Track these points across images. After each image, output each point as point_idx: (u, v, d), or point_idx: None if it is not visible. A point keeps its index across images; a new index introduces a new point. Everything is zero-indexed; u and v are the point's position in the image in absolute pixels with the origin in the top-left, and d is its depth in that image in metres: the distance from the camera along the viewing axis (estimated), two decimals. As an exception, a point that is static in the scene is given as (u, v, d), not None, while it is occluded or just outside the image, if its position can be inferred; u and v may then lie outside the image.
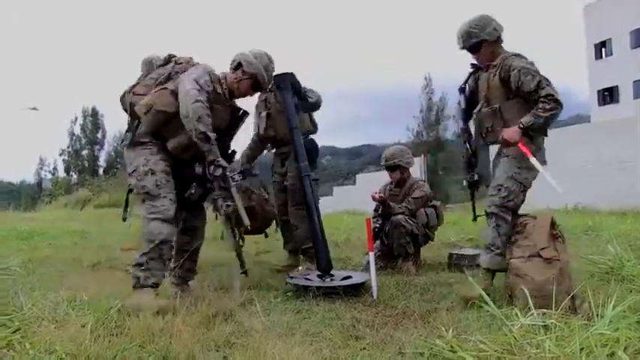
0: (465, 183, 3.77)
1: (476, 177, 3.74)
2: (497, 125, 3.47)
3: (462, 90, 3.81)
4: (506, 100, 3.44)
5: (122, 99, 3.53)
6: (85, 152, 50.59)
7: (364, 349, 2.50)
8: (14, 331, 2.56)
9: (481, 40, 3.51)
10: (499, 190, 3.41)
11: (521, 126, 3.26)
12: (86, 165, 49.74)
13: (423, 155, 18.51)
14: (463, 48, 3.61)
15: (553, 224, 3.16)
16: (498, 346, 2.28)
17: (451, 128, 42.21)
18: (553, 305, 2.58)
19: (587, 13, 37.07)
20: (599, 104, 36.35)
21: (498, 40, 3.55)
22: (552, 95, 3.23)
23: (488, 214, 3.49)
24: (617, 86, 35.27)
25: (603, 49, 36.43)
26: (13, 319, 2.72)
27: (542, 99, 3.23)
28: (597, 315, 2.48)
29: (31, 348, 2.32)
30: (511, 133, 3.28)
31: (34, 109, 33.27)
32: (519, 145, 3.28)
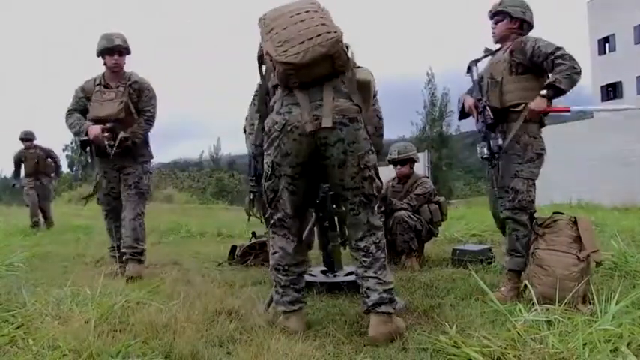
0: (482, 157, 3.55)
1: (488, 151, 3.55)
2: (494, 99, 3.43)
3: (475, 62, 3.71)
4: (509, 75, 3.40)
5: None
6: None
7: (368, 344, 2.50)
8: (17, 327, 2.56)
9: (504, 12, 3.48)
10: (506, 192, 3.37)
11: (544, 94, 3.20)
12: (89, 161, 49.79)
13: (426, 151, 18.49)
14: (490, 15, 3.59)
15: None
16: (502, 342, 2.28)
17: (454, 124, 42.23)
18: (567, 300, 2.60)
19: (591, 9, 36.94)
20: (602, 100, 36.24)
21: (518, 26, 3.50)
22: (569, 55, 3.19)
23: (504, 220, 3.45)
24: (620, 82, 35.16)
25: (607, 45, 36.29)
26: (16, 315, 2.72)
27: (558, 59, 3.17)
28: (600, 310, 2.48)
29: (34, 344, 2.33)
30: (538, 102, 3.24)
31: None
32: (547, 109, 3.24)
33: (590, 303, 2.87)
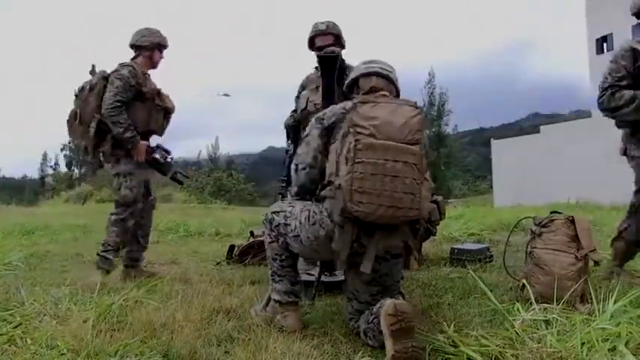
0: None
1: None
2: None
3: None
4: None
5: None
6: (87, 147, 50.55)
7: (366, 344, 2.50)
8: (16, 326, 2.56)
9: None
10: None
11: None
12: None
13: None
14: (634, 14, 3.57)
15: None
16: (500, 341, 2.28)
17: (452, 123, 42.25)
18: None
19: (589, 8, 36.96)
20: (601, 99, 36.25)
21: None
22: None
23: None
24: (618, 81, 35.16)
25: (605, 44, 36.31)
26: (14, 315, 2.72)
27: None
28: (599, 310, 2.48)
29: (32, 343, 2.32)
30: None
31: (226, 95, 33.87)
32: None
33: (588, 302, 2.87)
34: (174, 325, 2.58)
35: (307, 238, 2.57)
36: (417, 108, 2.46)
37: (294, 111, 4.18)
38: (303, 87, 4.17)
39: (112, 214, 4.19)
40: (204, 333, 2.59)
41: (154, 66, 4.39)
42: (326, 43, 3.89)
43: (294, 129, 4.14)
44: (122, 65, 4.17)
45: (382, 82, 2.74)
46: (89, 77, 4.18)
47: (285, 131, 4.22)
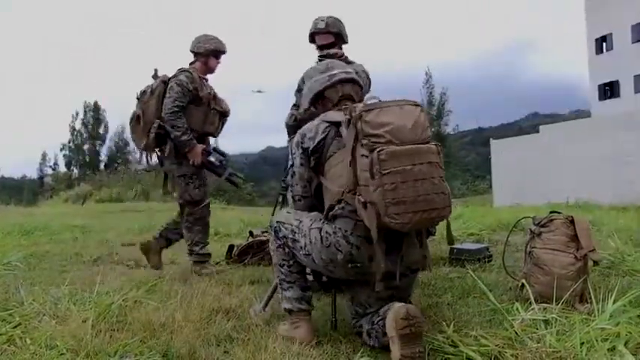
0: None
1: None
2: None
3: None
4: None
5: None
6: (86, 147, 50.55)
7: (366, 344, 2.50)
8: (15, 327, 2.56)
9: None
10: None
11: None
12: (87, 160, 49.72)
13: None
14: None
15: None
16: (499, 341, 2.28)
17: (452, 123, 42.29)
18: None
19: (588, 8, 36.99)
20: (600, 99, 36.32)
21: None
22: None
23: None
24: (617, 81, 35.22)
25: (604, 44, 36.35)
26: (13, 315, 2.72)
27: None
28: (598, 309, 2.48)
29: (31, 343, 2.32)
30: None
31: (259, 91, 33.87)
32: None
33: (587, 302, 2.87)
34: (174, 325, 2.59)
35: (322, 260, 2.46)
36: (417, 105, 2.42)
37: (295, 105, 4.15)
38: (304, 81, 4.15)
39: (187, 215, 4.50)
40: (204, 333, 2.59)
41: (210, 71, 4.58)
42: (325, 42, 3.87)
43: (295, 128, 4.13)
44: (181, 71, 4.39)
45: (349, 87, 2.69)
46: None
47: (285, 130, 4.20)
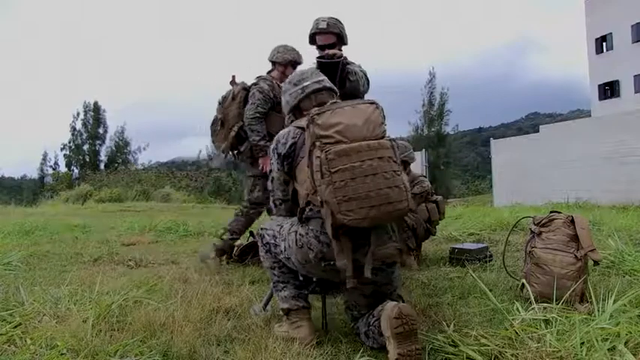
0: None
1: None
2: None
3: None
4: None
5: None
6: (86, 147, 50.50)
7: (366, 344, 2.50)
8: (15, 326, 2.56)
9: None
10: None
11: None
12: (87, 160, 49.67)
13: (424, 150, 18.51)
14: None
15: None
16: (499, 340, 2.29)
17: (452, 123, 42.28)
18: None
19: (588, 7, 36.98)
20: (600, 98, 36.31)
21: None
22: None
23: None
24: (617, 80, 35.21)
25: (604, 44, 36.34)
26: (14, 314, 2.72)
27: None
28: (598, 309, 2.48)
29: (32, 343, 2.32)
30: None
31: None
32: None
33: (587, 302, 2.87)
34: (174, 325, 2.59)
35: (298, 261, 2.53)
36: (372, 104, 2.45)
37: None
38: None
39: (244, 207, 4.84)
40: (204, 333, 2.59)
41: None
42: (327, 42, 3.87)
43: None
44: (261, 79, 4.66)
45: (323, 95, 2.70)
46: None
47: None
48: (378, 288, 2.49)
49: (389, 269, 2.49)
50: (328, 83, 2.75)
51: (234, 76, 4.73)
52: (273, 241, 2.70)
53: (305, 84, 2.70)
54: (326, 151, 2.24)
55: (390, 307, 2.22)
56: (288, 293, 2.68)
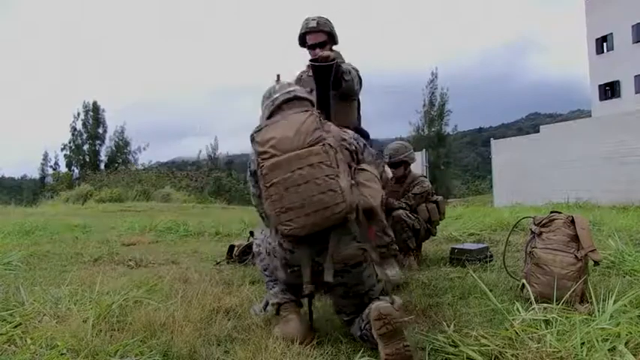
0: None
1: None
2: None
3: None
4: None
5: None
6: (86, 147, 50.54)
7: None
8: (15, 326, 2.56)
9: None
10: None
11: None
12: (87, 160, 49.73)
13: (424, 150, 18.50)
14: None
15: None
16: (500, 341, 2.28)
17: (452, 123, 42.28)
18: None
19: (589, 7, 36.97)
20: (600, 99, 36.30)
21: None
22: None
23: None
24: (618, 81, 35.20)
25: (604, 44, 36.32)
26: (14, 314, 2.72)
27: None
28: (598, 310, 2.48)
29: (32, 343, 2.32)
30: None
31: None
32: None
33: (587, 302, 2.87)
34: (174, 325, 2.59)
35: (273, 267, 2.65)
36: (307, 111, 2.48)
37: None
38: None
39: None
40: (204, 333, 2.59)
41: None
42: (317, 40, 3.85)
43: None
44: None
45: (294, 103, 2.67)
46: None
47: None
48: (349, 289, 2.50)
49: (354, 270, 2.48)
50: (301, 92, 2.75)
51: (278, 75, 4.63)
52: (257, 249, 2.95)
53: (275, 96, 2.71)
54: (261, 167, 2.36)
55: (371, 310, 2.26)
56: (277, 289, 2.76)
